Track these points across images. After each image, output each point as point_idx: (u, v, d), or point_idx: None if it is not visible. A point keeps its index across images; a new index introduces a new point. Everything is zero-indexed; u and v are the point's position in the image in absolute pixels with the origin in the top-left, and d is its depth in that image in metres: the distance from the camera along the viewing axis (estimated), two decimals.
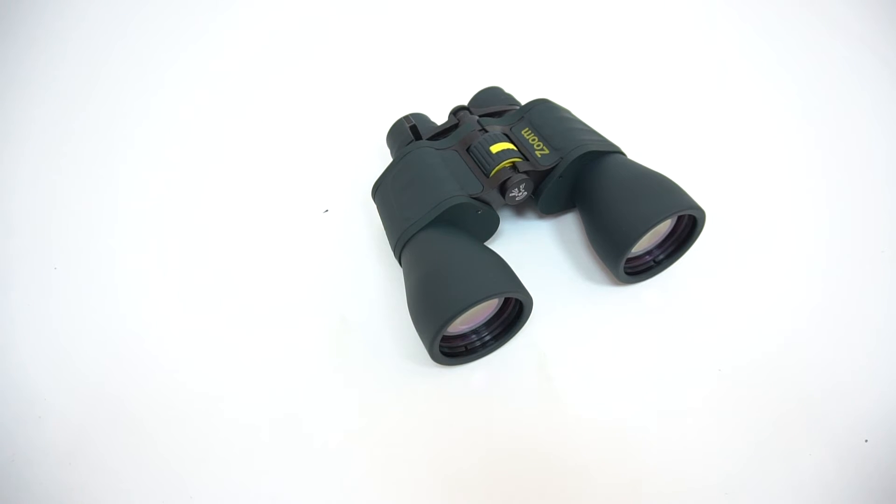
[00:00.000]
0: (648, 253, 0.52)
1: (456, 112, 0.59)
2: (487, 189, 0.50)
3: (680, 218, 0.50)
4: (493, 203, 0.51)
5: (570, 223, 0.58)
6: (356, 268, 0.57)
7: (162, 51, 0.89)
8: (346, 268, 0.57)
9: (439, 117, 0.62)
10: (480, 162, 0.52)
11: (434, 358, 0.46)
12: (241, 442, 0.47)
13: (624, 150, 0.54)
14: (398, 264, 0.51)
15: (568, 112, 0.57)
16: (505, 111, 0.59)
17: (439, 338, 0.44)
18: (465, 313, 0.43)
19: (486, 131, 0.54)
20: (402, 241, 0.49)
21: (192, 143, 0.74)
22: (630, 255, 0.50)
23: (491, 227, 0.53)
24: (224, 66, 0.85)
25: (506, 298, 0.48)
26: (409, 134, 0.58)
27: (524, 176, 0.50)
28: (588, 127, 0.55)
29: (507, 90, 0.64)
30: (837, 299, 0.51)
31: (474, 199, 0.50)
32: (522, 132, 0.54)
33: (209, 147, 0.73)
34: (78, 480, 0.46)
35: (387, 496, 0.43)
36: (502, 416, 0.46)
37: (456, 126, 0.57)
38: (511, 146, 0.52)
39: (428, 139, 0.56)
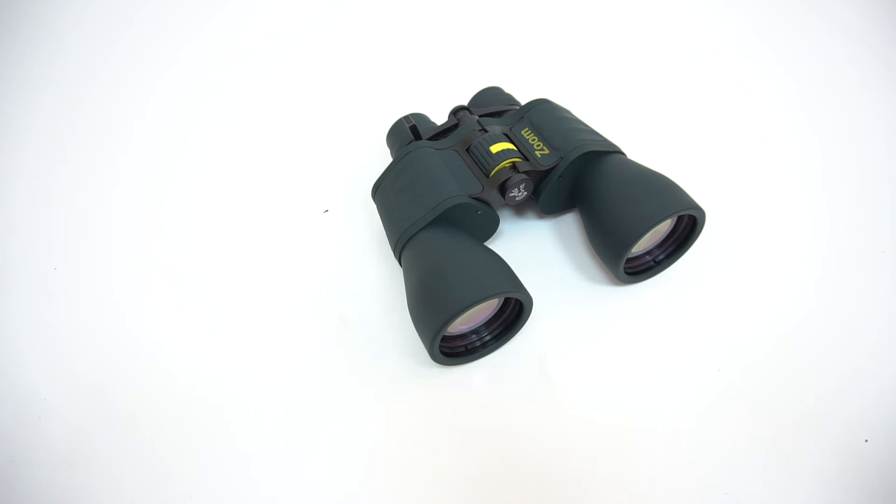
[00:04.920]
0: (648, 253, 0.52)
1: (456, 112, 0.59)
2: (487, 189, 0.50)
3: (680, 218, 0.50)
4: (493, 203, 0.51)
5: (570, 223, 0.58)
6: (356, 268, 0.57)
7: (161, 51, 0.89)
8: (346, 268, 0.57)
9: (439, 117, 0.62)
10: (480, 162, 0.52)
11: (434, 358, 0.46)
12: (239, 442, 0.47)
13: (624, 150, 0.54)
14: (398, 264, 0.51)
15: (568, 112, 0.57)
16: (505, 111, 0.59)
17: (439, 338, 0.44)
18: (464, 313, 0.43)
19: (486, 131, 0.54)
20: (402, 241, 0.49)
21: (191, 144, 0.74)
22: (630, 255, 0.50)
23: (491, 228, 0.53)
24: (223, 67, 0.85)
25: (506, 298, 0.48)
26: (409, 134, 0.58)
27: (524, 176, 0.50)
28: (588, 127, 0.55)
29: (507, 90, 0.64)
30: (838, 299, 0.51)
31: (474, 199, 0.50)
32: (522, 132, 0.54)
33: (209, 147, 0.73)
34: (77, 481, 0.46)
35: (386, 496, 0.43)
36: (502, 416, 0.46)
37: (456, 126, 0.57)
38: (511, 146, 0.52)
39: (428, 139, 0.56)
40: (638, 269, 0.52)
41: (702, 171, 0.60)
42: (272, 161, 0.70)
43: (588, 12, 0.87)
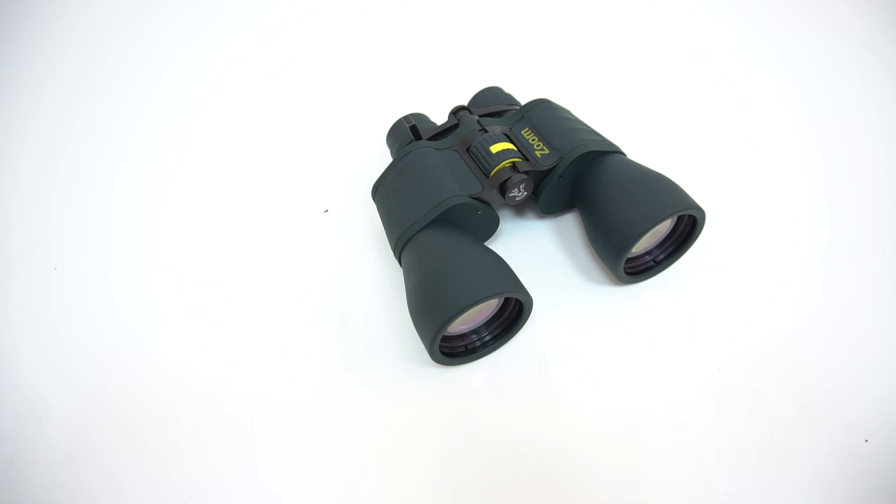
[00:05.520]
0: (648, 253, 0.52)
1: (456, 112, 0.59)
2: (487, 189, 0.50)
3: (680, 218, 0.50)
4: (493, 203, 0.51)
5: (570, 223, 0.58)
6: (356, 268, 0.57)
7: (161, 50, 0.89)
8: (346, 268, 0.57)
9: (439, 117, 0.62)
10: (480, 162, 0.52)
11: (434, 358, 0.46)
12: (240, 442, 0.47)
13: (624, 150, 0.54)
14: (398, 264, 0.51)
15: (568, 112, 0.57)
16: (505, 111, 0.59)
17: (439, 338, 0.44)
18: (465, 313, 0.43)
19: (486, 131, 0.54)
20: (402, 241, 0.49)
21: (191, 143, 0.74)
22: (630, 255, 0.50)
23: (491, 228, 0.53)
24: (223, 67, 0.85)
25: (506, 298, 0.48)
26: (409, 134, 0.58)
27: (524, 176, 0.50)
28: (588, 127, 0.55)
29: (507, 90, 0.64)
30: (838, 299, 0.51)
31: (474, 199, 0.50)
32: (522, 132, 0.54)
33: (209, 147, 0.73)
34: (77, 481, 0.46)
35: (386, 496, 0.43)
36: (502, 417, 0.46)
37: (456, 126, 0.57)
38: (511, 146, 0.52)
39: (428, 139, 0.56)
40: (638, 269, 0.52)
41: (702, 171, 0.60)
42: (272, 161, 0.70)
43: (588, 12, 0.87)
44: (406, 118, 0.60)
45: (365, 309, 0.53)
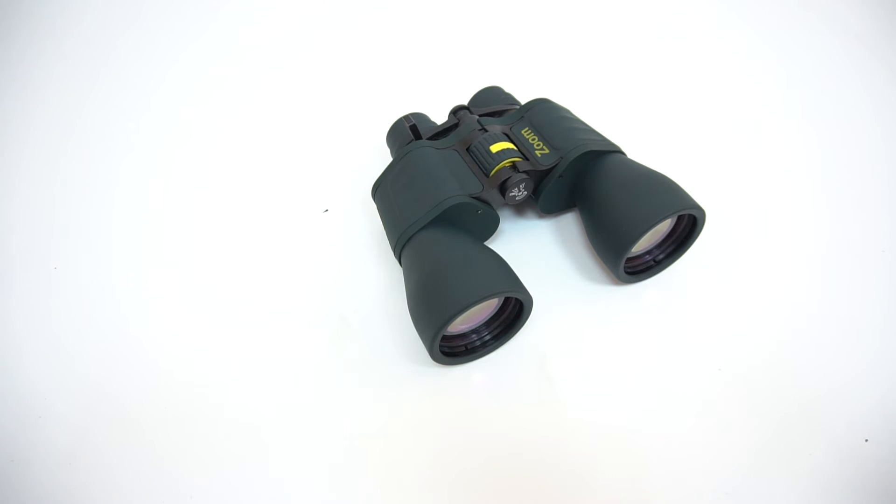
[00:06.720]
0: (648, 252, 0.52)
1: (456, 112, 0.59)
2: (487, 189, 0.50)
3: (680, 217, 0.50)
4: (493, 203, 0.51)
5: (570, 223, 0.58)
6: (356, 268, 0.57)
7: (162, 50, 0.89)
8: (346, 268, 0.57)
9: (439, 117, 0.62)
10: (480, 161, 0.52)
11: (434, 358, 0.46)
12: (240, 442, 0.47)
13: (624, 149, 0.54)
14: (398, 264, 0.51)
15: (568, 112, 0.57)
16: (505, 111, 0.59)
17: (439, 337, 0.44)
18: (465, 313, 0.43)
19: (486, 131, 0.54)
20: (402, 240, 0.49)
21: (191, 143, 0.74)
22: (630, 255, 0.50)
23: (491, 227, 0.53)
24: (224, 66, 0.85)
25: (506, 298, 0.48)
26: (409, 133, 0.58)
27: (524, 175, 0.50)
28: (588, 126, 0.55)
29: (507, 90, 0.64)
30: (838, 299, 0.51)
31: (474, 198, 0.50)
32: (522, 132, 0.54)
33: (209, 147, 0.73)
34: (77, 481, 0.46)
35: (386, 496, 0.43)
36: (502, 416, 0.46)
37: (456, 126, 0.57)
38: (511, 146, 0.52)
39: (428, 139, 0.56)
40: (638, 269, 0.52)
41: (702, 171, 0.60)
42: (272, 161, 0.70)
43: (588, 12, 0.87)
44: (406, 118, 0.60)
45: (365, 309, 0.53)
